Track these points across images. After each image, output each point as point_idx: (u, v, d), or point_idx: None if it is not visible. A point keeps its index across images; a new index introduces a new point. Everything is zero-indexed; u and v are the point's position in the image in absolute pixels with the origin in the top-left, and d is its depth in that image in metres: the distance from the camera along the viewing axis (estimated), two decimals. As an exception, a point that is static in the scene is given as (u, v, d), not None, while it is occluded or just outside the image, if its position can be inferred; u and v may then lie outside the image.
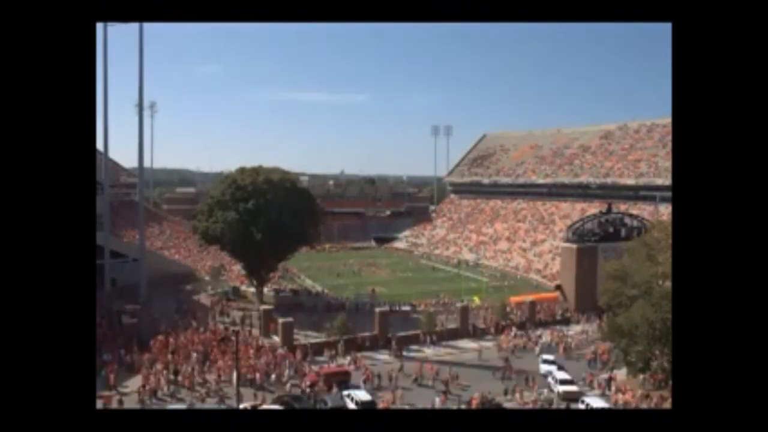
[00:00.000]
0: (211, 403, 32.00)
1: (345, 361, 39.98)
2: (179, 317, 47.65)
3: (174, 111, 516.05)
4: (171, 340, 39.87)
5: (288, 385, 34.39)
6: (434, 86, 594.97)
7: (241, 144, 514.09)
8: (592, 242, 58.26)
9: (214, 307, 53.01)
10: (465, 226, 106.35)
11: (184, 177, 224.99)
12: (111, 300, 50.77)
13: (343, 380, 34.78)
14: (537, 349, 43.45)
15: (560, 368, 36.98)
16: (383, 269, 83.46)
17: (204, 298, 58.19)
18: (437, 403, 32.50)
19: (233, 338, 31.97)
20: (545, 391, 34.72)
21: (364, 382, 35.55)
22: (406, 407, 31.85)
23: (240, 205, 52.39)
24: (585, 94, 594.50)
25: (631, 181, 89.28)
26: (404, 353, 42.53)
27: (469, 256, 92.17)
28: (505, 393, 34.15)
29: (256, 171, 56.29)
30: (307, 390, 33.36)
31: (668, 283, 30.10)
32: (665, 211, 74.29)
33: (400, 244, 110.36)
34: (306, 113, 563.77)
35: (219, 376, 34.87)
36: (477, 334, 48.02)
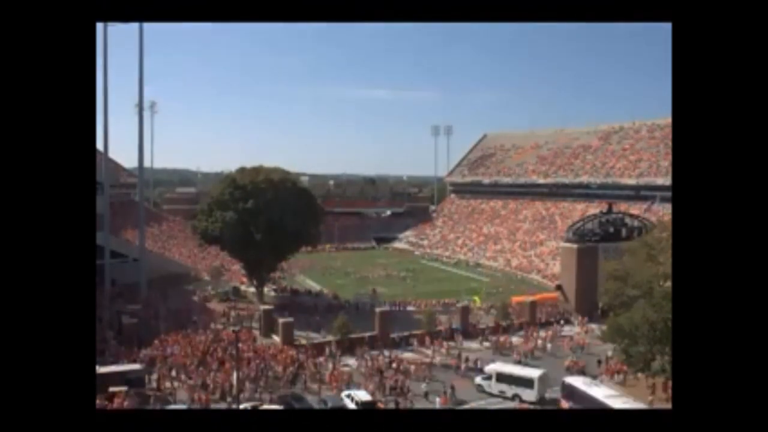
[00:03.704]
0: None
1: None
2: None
3: (195, 110, 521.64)
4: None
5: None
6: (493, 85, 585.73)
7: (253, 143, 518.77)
8: (592, 242, 58.20)
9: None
10: (465, 226, 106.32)
11: (184, 177, 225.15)
12: (111, 300, 50.83)
13: None
14: None
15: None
16: (383, 269, 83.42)
17: (201, 299, 58.14)
18: (437, 403, 32.52)
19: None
20: None
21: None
22: (406, 407, 31.85)
23: (239, 204, 52.39)
24: (586, 94, 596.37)
25: (631, 181, 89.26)
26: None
27: (470, 256, 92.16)
28: None
29: (256, 171, 56.31)
30: None
31: (669, 284, 30.08)
32: (661, 209, 74.24)
33: (400, 245, 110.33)
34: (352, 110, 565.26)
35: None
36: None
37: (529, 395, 33.40)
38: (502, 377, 34.76)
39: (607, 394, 30.57)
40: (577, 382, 32.96)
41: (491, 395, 34.50)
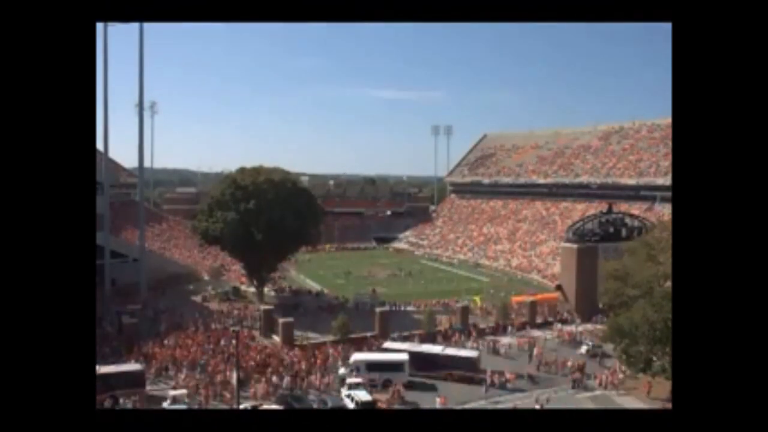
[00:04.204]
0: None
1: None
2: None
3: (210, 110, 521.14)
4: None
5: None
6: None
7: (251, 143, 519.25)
8: (592, 242, 58.21)
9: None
10: (465, 226, 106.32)
11: (184, 177, 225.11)
12: (111, 300, 50.87)
13: None
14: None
15: None
16: (383, 269, 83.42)
17: (201, 299, 58.08)
18: (437, 403, 32.50)
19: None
20: None
21: None
22: (406, 407, 31.84)
23: (240, 205, 52.40)
24: (586, 94, 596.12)
25: (631, 181, 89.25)
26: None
27: (470, 256, 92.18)
28: None
29: (257, 171, 56.32)
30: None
31: (669, 284, 30.08)
32: (662, 210, 74.22)
33: (400, 245, 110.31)
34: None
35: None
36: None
37: (401, 377, 35.75)
38: (372, 366, 36.25)
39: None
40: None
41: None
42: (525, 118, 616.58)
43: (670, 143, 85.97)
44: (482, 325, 49.57)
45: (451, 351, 39.17)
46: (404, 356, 37.93)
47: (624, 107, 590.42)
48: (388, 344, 40.56)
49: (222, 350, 39.42)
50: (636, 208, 78.10)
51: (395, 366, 36.64)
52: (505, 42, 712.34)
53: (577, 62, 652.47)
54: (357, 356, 37.89)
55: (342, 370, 36.66)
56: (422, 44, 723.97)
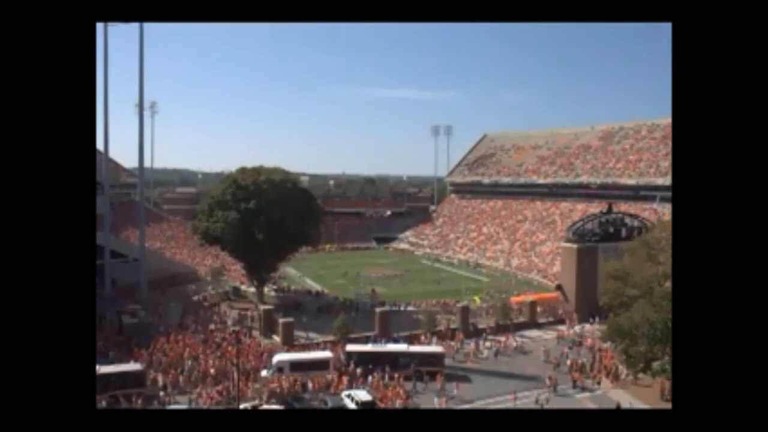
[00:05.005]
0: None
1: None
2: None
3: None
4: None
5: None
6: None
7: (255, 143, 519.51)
8: (592, 242, 58.17)
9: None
10: (465, 226, 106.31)
11: (184, 177, 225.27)
12: (111, 300, 50.86)
13: None
14: None
15: None
16: (383, 269, 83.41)
17: (200, 299, 58.01)
18: (437, 403, 32.51)
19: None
20: None
21: None
22: (405, 407, 31.85)
23: (241, 205, 52.40)
24: (586, 94, 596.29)
25: (631, 181, 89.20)
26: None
27: (470, 256, 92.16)
28: None
29: (258, 171, 56.31)
30: None
31: (669, 283, 30.09)
32: (662, 210, 74.19)
33: (400, 245, 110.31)
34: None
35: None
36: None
37: (327, 376, 35.54)
38: (296, 365, 35.73)
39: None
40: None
41: None
42: (535, 117, 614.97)
43: (670, 143, 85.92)
44: (482, 325, 49.57)
45: (416, 348, 39.47)
46: (328, 354, 37.69)
47: (633, 106, 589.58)
48: (349, 347, 39.40)
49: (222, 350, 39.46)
50: (636, 208, 78.03)
51: (320, 364, 36.11)
52: (513, 42, 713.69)
53: (586, 61, 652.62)
54: (280, 356, 36.99)
55: (265, 372, 35.65)
56: (423, 44, 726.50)
